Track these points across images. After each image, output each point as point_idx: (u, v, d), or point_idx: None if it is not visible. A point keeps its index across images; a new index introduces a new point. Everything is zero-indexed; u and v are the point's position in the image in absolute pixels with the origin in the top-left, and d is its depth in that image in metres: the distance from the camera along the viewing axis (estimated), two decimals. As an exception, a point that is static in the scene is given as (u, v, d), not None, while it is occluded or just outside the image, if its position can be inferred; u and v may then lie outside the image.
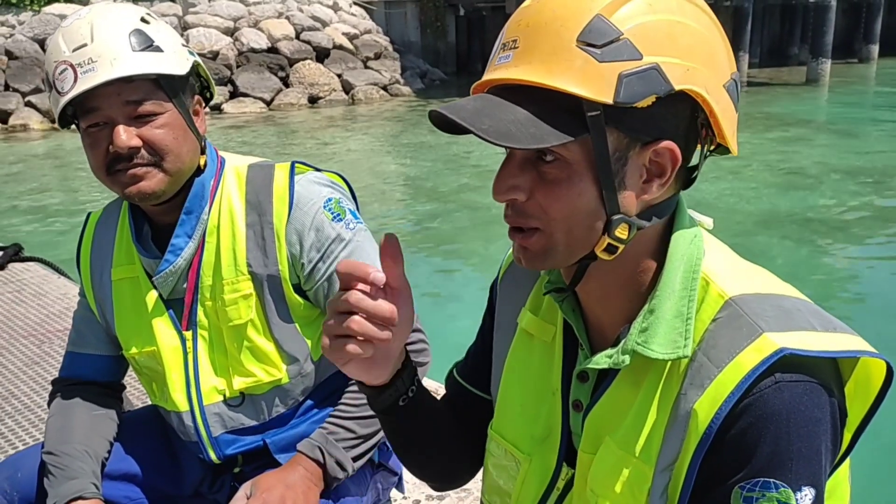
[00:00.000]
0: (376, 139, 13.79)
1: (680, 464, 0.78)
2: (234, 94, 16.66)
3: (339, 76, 18.12)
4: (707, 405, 0.75)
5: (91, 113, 1.27)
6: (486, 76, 0.81)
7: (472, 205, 9.03)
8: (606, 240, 0.79)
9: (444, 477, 1.10)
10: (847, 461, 0.84)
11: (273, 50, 17.60)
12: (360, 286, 0.78)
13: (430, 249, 7.53)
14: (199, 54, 1.39)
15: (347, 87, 18.06)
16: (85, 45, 1.25)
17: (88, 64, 1.24)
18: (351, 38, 19.02)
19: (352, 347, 0.78)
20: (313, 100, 17.48)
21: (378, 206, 8.87)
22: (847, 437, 0.81)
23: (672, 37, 0.76)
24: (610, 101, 0.73)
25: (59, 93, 1.26)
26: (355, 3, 20.50)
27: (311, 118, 16.03)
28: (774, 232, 7.56)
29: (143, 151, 1.28)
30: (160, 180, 1.30)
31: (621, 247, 0.80)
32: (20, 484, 1.42)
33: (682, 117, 0.79)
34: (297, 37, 18.09)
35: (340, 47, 18.50)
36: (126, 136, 1.26)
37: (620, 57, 0.74)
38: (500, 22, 23.55)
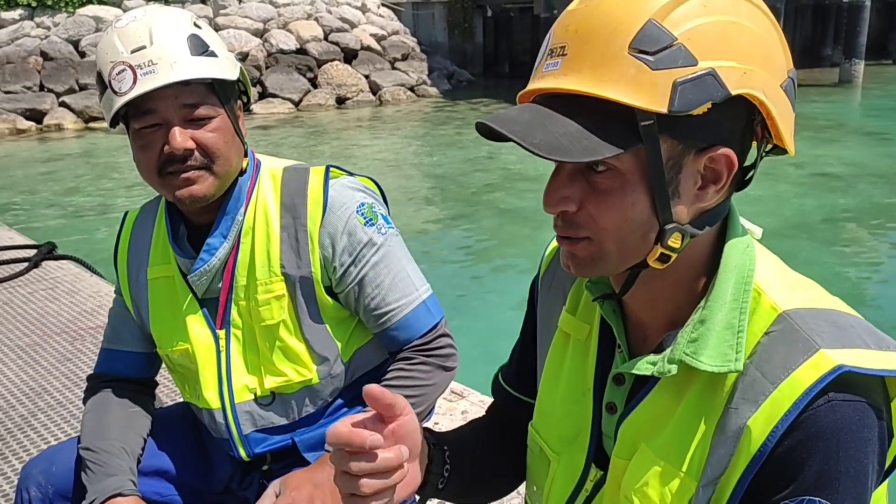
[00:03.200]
0: (403, 140, 13.83)
1: (726, 479, 0.76)
2: (263, 95, 16.82)
3: (367, 77, 18.21)
4: (762, 422, 0.73)
5: (147, 114, 1.29)
6: (534, 84, 0.79)
7: (499, 205, 9.03)
8: (659, 249, 0.77)
9: (489, 498, 1.09)
10: (886, 480, 0.82)
11: (302, 51, 17.73)
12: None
13: (457, 250, 7.54)
14: (230, 56, 1.42)
15: (375, 88, 18.15)
16: (144, 47, 1.27)
17: (148, 66, 1.26)
18: (378, 39, 19.11)
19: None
20: (341, 100, 17.58)
21: (405, 207, 8.90)
22: (890, 456, 0.79)
23: (728, 39, 0.73)
24: (664, 110, 0.71)
25: (115, 93, 1.27)
26: (383, 5, 20.58)
27: (339, 119, 16.13)
28: (804, 235, 7.45)
29: (196, 154, 1.30)
30: (210, 184, 1.33)
31: (674, 256, 0.78)
32: (55, 477, 1.44)
33: (739, 120, 0.77)
34: (326, 38, 18.21)
35: (368, 48, 18.59)
36: (182, 137, 1.28)
37: (675, 63, 0.71)
38: (527, 23, 23.52)
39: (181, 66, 1.27)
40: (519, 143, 0.71)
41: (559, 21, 0.78)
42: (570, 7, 0.77)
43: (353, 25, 18.92)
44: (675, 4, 0.72)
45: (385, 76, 18.42)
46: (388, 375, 1.42)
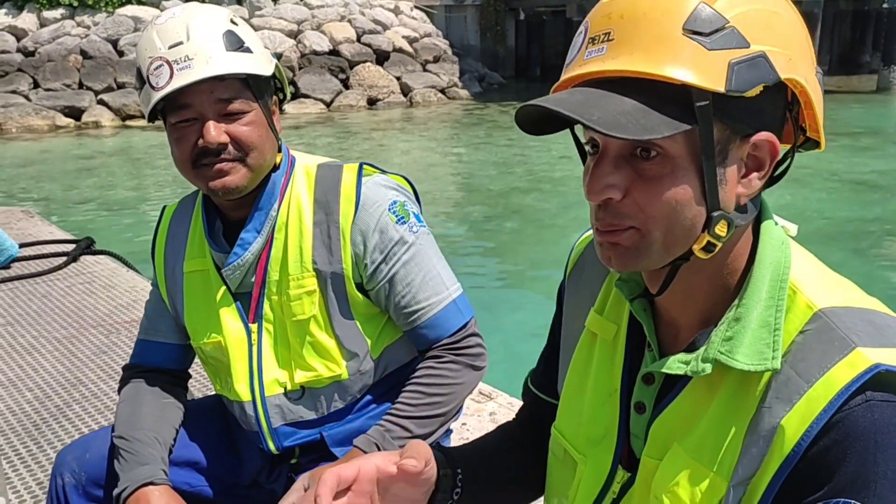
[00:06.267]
0: (432, 141, 13.86)
1: (758, 479, 0.75)
2: (296, 96, 16.98)
3: (398, 79, 18.30)
4: (796, 422, 0.72)
5: (183, 109, 1.32)
6: (578, 70, 0.76)
7: (525, 208, 9.01)
8: (706, 237, 0.76)
9: (527, 498, 1.09)
10: None
11: (334, 52, 17.88)
12: None
13: (483, 251, 7.54)
14: (264, 56, 1.44)
15: (406, 90, 18.22)
16: (181, 42, 1.30)
17: (185, 61, 1.29)
18: (411, 41, 19.19)
19: None
20: (372, 102, 17.69)
21: (432, 208, 8.91)
22: None
23: (772, 26, 0.74)
24: (722, 89, 0.71)
25: (153, 88, 1.30)
26: (416, 7, 20.66)
27: (370, 120, 16.22)
28: (838, 243, 7.32)
29: (230, 147, 1.32)
30: (243, 175, 1.35)
31: (719, 245, 0.77)
32: (88, 464, 1.47)
33: (779, 109, 0.77)
34: (359, 39, 18.35)
35: (400, 50, 18.68)
36: (216, 131, 1.30)
37: (729, 45, 0.71)
38: (560, 26, 23.45)
39: (216, 62, 1.29)
40: (577, 120, 0.71)
41: (597, 12, 0.77)
42: None
43: (385, 27, 19.03)
44: None
45: (416, 78, 18.49)
46: (416, 374, 1.43)
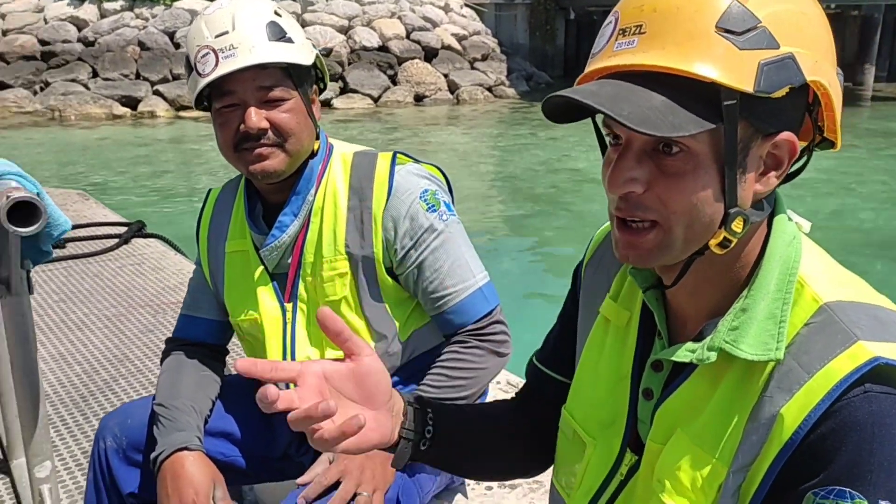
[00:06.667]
0: (477, 139, 13.88)
1: (757, 465, 0.77)
2: (344, 90, 17.16)
3: (446, 76, 18.34)
4: (795, 411, 0.74)
5: (226, 95, 1.39)
6: (606, 61, 0.77)
7: (567, 207, 9.00)
8: (723, 234, 0.78)
9: (512, 474, 1.12)
10: None
11: (384, 48, 18.00)
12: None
13: (524, 249, 7.56)
14: (314, 50, 1.51)
15: (453, 87, 18.25)
16: (227, 32, 1.38)
17: (229, 50, 1.36)
18: (460, 38, 19.21)
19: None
20: (419, 98, 17.76)
21: (474, 204, 8.95)
22: None
23: (800, 27, 0.75)
24: (750, 89, 0.72)
25: (199, 74, 1.38)
26: (466, 5, 20.67)
27: (416, 116, 16.31)
28: (882, 252, 7.13)
29: (269, 133, 1.40)
30: (282, 160, 1.42)
31: (735, 240, 0.79)
32: (130, 430, 1.55)
33: (800, 109, 0.79)
34: (408, 36, 18.43)
35: (449, 48, 18.71)
36: (257, 117, 1.38)
37: (760, 45, 0.72)
38: (610, 26, 23.13)
39: (259, 51, 1.36)
40: (608, 115, 0.72)
41: (628, 2, 0.78)
42: None
43: (435, 25, 19.08)
44: None
45: (464, 76, 18.51)
46: (441, 357, 1.47)
